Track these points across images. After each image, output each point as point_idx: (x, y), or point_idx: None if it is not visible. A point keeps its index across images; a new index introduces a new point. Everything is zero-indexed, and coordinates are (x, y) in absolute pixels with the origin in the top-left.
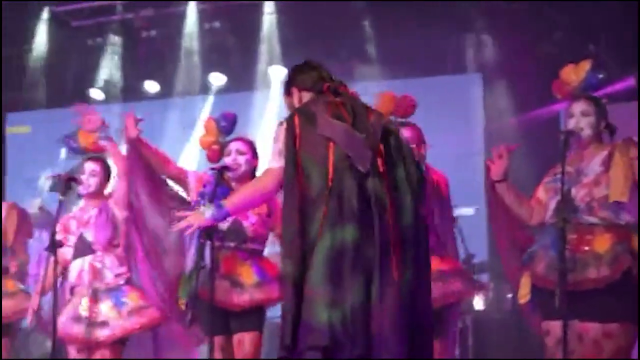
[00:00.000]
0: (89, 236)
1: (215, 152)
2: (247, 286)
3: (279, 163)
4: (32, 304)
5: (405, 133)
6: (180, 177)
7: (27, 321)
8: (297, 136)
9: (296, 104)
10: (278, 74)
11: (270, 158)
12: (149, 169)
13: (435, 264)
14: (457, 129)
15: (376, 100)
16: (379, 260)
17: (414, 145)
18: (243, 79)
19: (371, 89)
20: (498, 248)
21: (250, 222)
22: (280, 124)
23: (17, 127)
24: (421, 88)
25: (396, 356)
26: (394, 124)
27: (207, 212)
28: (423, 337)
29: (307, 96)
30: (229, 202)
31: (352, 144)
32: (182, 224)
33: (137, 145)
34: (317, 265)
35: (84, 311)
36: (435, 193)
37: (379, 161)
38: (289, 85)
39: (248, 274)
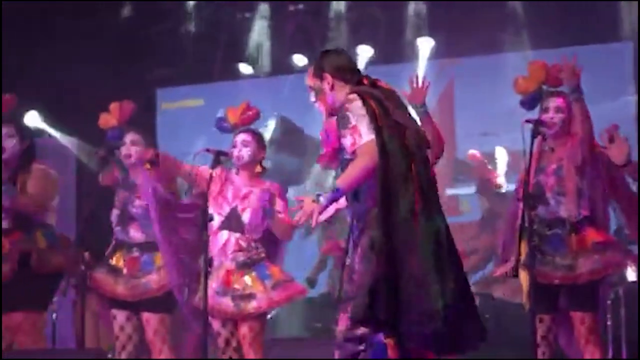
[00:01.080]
0: (244, 215)
1: None
2: None
3: (372, 136)
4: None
5: (557, 102)
6: None
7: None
8: (377, 115)
9: (327, 90)
10: (426, 45)
11: (362, 133)
12: None
13: (591, 236)
14: (608, 98)
15: (528, 69)
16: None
17: (564, 115)
18: (391, 51)
19: (520, 59)
20: (628, 228)
21: None
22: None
23: (190, 100)
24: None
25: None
26: (546, 93)
27: (321, 198)
28: None
29: (340, 85)
30: (343, 182)
31: (418, 135)
32: (302, 219)
33: None
34: (427, 255)
35: (229, 284)
36: (590, 163)
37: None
38: (322, 70)
39: None
